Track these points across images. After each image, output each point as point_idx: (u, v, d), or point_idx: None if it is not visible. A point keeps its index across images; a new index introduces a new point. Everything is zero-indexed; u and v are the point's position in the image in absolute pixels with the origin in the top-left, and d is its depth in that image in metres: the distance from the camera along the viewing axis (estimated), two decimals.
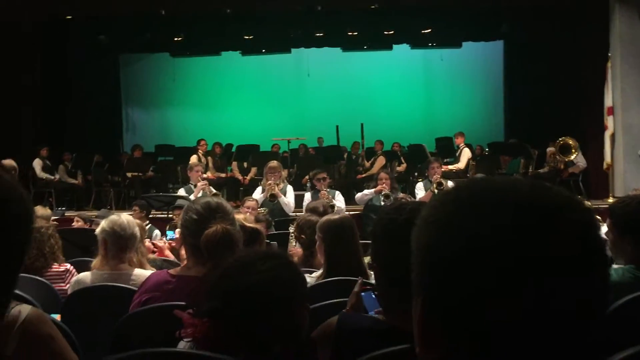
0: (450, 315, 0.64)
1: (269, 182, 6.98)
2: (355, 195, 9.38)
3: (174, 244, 4.14)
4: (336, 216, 3.36)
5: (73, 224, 6.14)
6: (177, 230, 3.99)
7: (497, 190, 0.67)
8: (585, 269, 0.63)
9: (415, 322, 0.69)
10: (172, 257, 4.06)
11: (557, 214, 0.64)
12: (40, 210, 5.21)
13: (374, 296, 1.73)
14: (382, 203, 6.89)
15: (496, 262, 0.62)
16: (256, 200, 6.64)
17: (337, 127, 11.63)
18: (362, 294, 1.78)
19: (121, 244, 3.03)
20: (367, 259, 3.02)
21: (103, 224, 3.09)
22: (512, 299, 0.61)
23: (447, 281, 0.64)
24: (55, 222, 3.76)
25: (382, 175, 7.36)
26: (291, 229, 4.26)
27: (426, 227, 0.69)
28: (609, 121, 8.47)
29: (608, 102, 8.50)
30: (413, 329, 0.70)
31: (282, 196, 7.01)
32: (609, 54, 8.55)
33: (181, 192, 7.59)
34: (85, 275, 3.05)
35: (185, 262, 3.65)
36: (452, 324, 0.64)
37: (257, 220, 5.65)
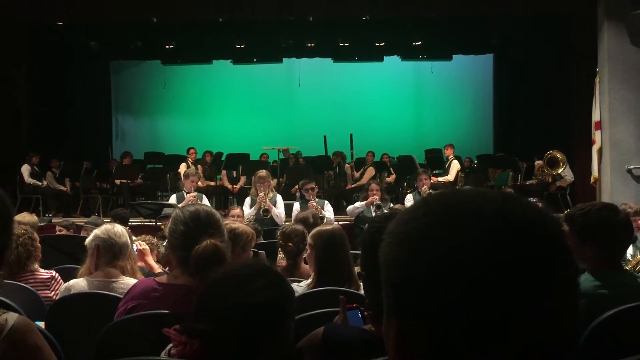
0: (425, 333, 0.63)
1: (261, 194, 6.92)
2: (344, 205, 9.34)
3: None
4: (329, 226, 3.42)
5: (56, 232, 6.03)
6: (138, 242, 3.93)
7: (468, 204, 0.66)
8: (555, 280, 0.63)
9: (389, 342, 0.68)
10: (153, 264, 3.92)
11: (528, 227, 0.64)
12: (27, 216, 5.16)
13: (360, 315, 1.72)
14: (374, 214, 6.87)
15: (469, 277, 0.61)
16: (241, 208, 6.61)
17: (324, 137, 11.64)
18: (348, 312, 1.76)
19: (115, 252, 3.03)
20: (357, 269, 3.04)
21: (97, 231, 3.08)
22: (487, 313, 0.61)
23: (420, 299, 0.63)
24: (27, 227, 3.62)
25: (373, 186, 7.31)
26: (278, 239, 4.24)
27: (397, 243, 0.67)
28: (597, 136, 8.53)
29: (596, 116, 8.57)
30: (387, 348, 0.69)
31: (274, 208, 6.97)
32: (597, 70, 8.63)
33: (172, 199, 7.53)
34: (77, 282, 3.02)
35: (156, 271, 3.63)
36: (427, 343, 0.63)
37: None
